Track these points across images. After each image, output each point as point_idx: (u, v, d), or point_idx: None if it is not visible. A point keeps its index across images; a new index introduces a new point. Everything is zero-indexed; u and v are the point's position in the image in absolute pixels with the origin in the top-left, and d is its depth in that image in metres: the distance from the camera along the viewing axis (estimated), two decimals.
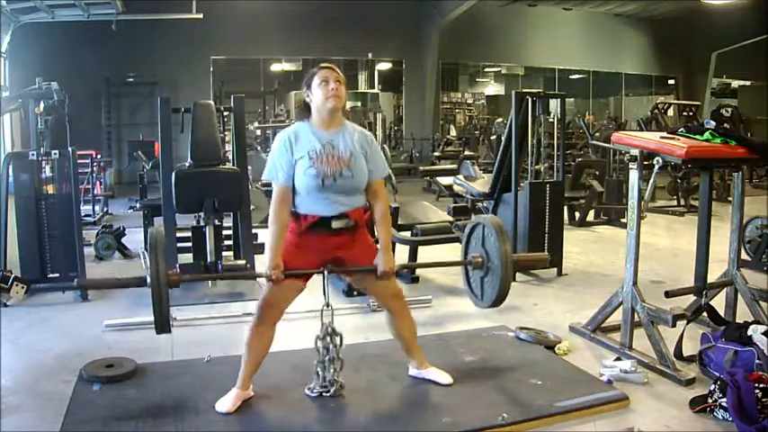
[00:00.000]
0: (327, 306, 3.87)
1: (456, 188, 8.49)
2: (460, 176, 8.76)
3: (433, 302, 6.08)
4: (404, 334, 4.14)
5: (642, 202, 4.58)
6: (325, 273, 3.83)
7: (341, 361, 3.92)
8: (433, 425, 3.68)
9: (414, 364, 4.24)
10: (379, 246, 3.93)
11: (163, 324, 3.64)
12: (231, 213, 6.84)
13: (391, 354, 4.16)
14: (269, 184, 10.61)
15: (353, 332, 4.29)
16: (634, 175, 4.62)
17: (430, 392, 4.06)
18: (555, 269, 7.16)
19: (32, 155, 6.36)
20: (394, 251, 6.22)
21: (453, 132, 20.44)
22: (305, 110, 3.88)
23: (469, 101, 24.93)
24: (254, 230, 7.00)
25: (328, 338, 3.87)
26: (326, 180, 3.68)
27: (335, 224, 3.75)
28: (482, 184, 8.04)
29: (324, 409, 3.84)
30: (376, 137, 16.28)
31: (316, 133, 3.78)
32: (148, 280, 3.67)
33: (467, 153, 15.26)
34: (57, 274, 6.39)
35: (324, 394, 3.91)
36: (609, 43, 23.82)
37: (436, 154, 16.81)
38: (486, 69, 25.08)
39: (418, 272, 6.92)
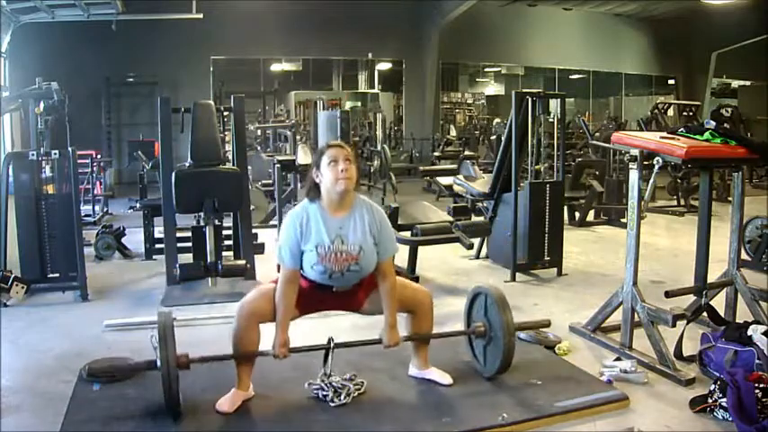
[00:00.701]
0: (327, 376, 3.95)
1: (456, 188, 8.49)
2: (460, 176, 8.76)
3: (433, 303, 6.08)
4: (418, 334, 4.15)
5: (642, 202, 4.58)
6: (332, 345, 3.89)
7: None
8: (434, 425, 3.68)
9: (416, 363, 4.25)
10: (384, 322, 3.94)
11: (174, 408, 3.63)
12: (231, 213, 6.84)
13: (391, 353, 4.15)
14: (269, 184, 10.70)
15: (352, 331, 4.29)
16: (634, 175, 4.61)
17: (430, 392, 4.06)
18: (555, 269, 7.17)
19: (32, 155, 6.36)
20: None
21: (453, 132, 20.43)
22: (314, 189, 3.80)
23: (469, 101, 24.96)
24: (253, 230, 6.99)
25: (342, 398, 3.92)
26: (334, 275, 3.72)
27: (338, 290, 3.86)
28: (482, 184, 8.04)
29: (324, 410, 3.83)
30: (376, 137, 16.39)
31: (326, 221, 3.74)
32: (158, 363, 3.62)
33: (467, 153, 15.26)
34: (57, 274, 6.38)
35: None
36: (609, 43, 23.83)
37: (436, 154, 16.79)
38: (486, 69, 25.11)
39: (418, 271, 6.92)
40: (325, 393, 3.91)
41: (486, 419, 3.68)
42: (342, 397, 3.89)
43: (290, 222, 3.77)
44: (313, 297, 3.87)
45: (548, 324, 4.63)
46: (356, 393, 3.96)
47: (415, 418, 3.78)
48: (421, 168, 12.36)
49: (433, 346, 4.33)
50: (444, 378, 4.16)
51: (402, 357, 4.28)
